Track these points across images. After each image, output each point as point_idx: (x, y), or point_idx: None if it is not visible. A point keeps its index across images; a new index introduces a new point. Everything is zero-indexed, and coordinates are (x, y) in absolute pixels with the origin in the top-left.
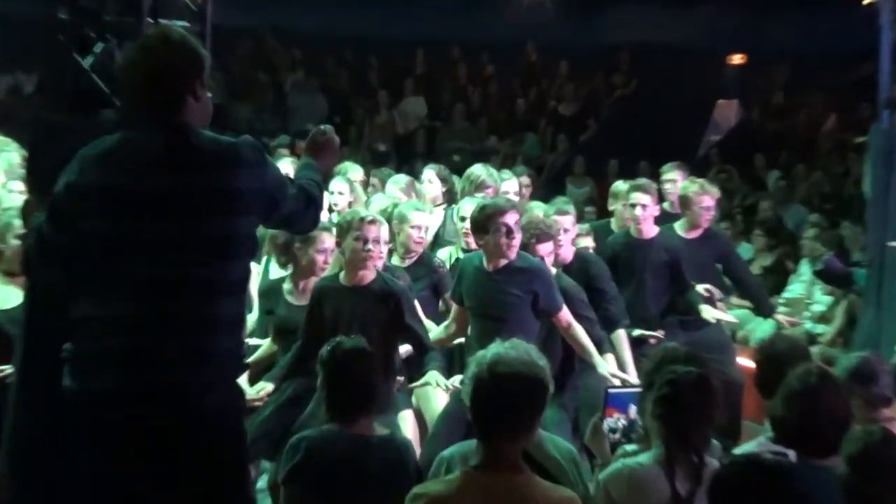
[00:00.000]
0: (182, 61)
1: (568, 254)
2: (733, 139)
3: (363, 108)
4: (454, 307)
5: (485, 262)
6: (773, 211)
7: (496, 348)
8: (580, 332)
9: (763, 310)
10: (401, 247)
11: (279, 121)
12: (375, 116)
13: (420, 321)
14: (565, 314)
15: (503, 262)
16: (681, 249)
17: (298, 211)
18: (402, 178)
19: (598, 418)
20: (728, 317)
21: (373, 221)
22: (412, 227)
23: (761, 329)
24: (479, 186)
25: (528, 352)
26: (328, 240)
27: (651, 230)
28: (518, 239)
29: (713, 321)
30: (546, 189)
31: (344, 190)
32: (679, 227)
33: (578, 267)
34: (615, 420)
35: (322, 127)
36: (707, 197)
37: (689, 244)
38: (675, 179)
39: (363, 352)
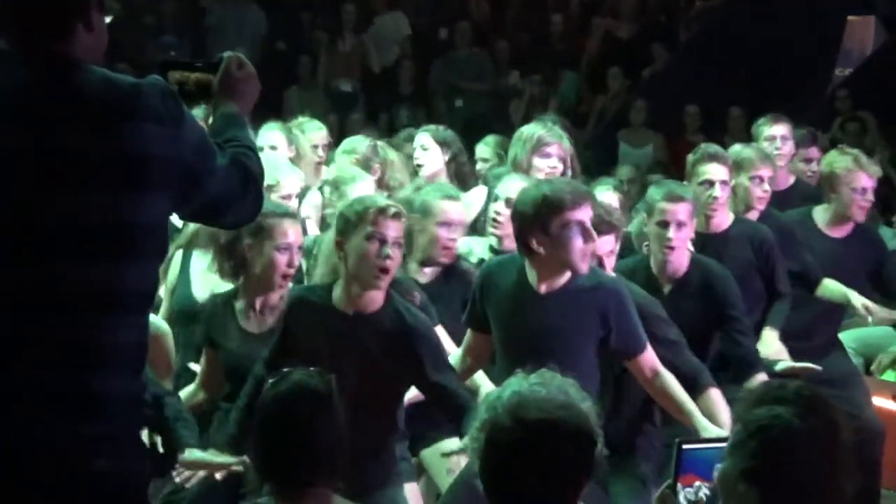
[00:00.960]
0: None
1: (681, 261)
2: (869, 73)
3: (321, 29)
4: (470, 334)
5: (531, 278)
6: None
7: (517, 384)
8: (672, 382)
9: None
10: (420, 252)
11: (193, 48)
12: (338, 41)
13: (451, 370)
14: (650, 357)
15: (563, 280)
16: (772, 239)
17: (231, 193)
18: (357, 144)
19: (669, 487)
20: (810, 365)
21: (397, 215)
22: (440, 223)
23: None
24: (536, 148)
25: (564, 389)
26: (293, 231)
27: (725, 220)
28: (594, 244)
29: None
30: (591, 148)
31: (279, 142)
32: (819, 216)
33: (699, 282)
34: (694, 490)
35: (230, 53)
36: (864, 175)
37: (829, 245)
38: (780, 136)
39: (317, 393)
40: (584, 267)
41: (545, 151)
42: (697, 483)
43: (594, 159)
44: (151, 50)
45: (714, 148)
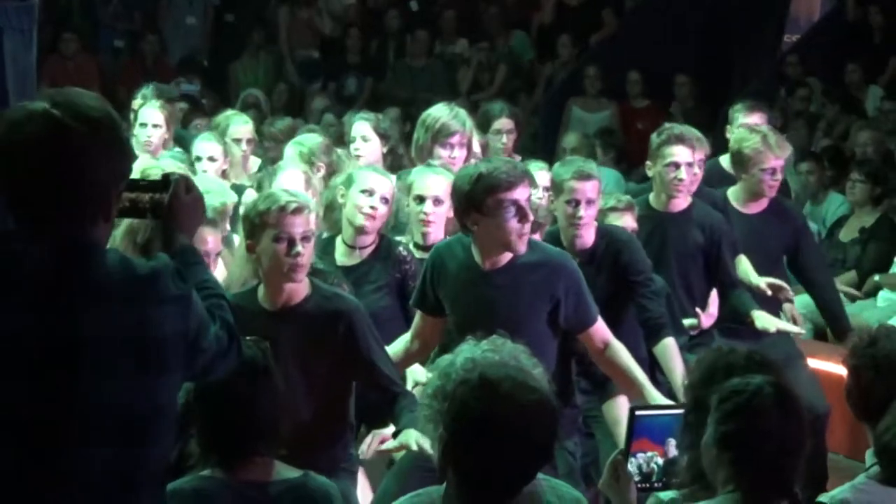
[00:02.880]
0: (106, 154)
1: (590, 235)
2: (818, 39)
3: None
4: (419, 316)
5: (476, 256)
6: (877, 145)
7: (469, 351)
8: (623, 353)
9: (837, 326)
10: (347, 227)
11: (143, 18)
12: (296, 10)
13: (384, 353)
14: (601, 328)
15: (507, 257)
16: (724, 228)
17: (222, 354)
18: (307, 139)
19: (621, 454)
20: (796, 328)
21: (298, 210)
22: (361, 191)
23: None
24: (437, 137)
25: (514, 355)
26: (211, 238)
27: (684, 201)
28: (530, 224)
29: (773, 331)
30: (541, 118)
31: (216, 153)
32: (733, 195)
33: (606, 252)
34: (648, 457)
35: (177, 175)
36: (771, 156)
37: (746, 222)
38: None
39: (254, 363)
40: (521, 246)
41: (446, 142)
42: (650, 452)
43: (542, 126)
44: (100, 20)
45: (679, 129)
